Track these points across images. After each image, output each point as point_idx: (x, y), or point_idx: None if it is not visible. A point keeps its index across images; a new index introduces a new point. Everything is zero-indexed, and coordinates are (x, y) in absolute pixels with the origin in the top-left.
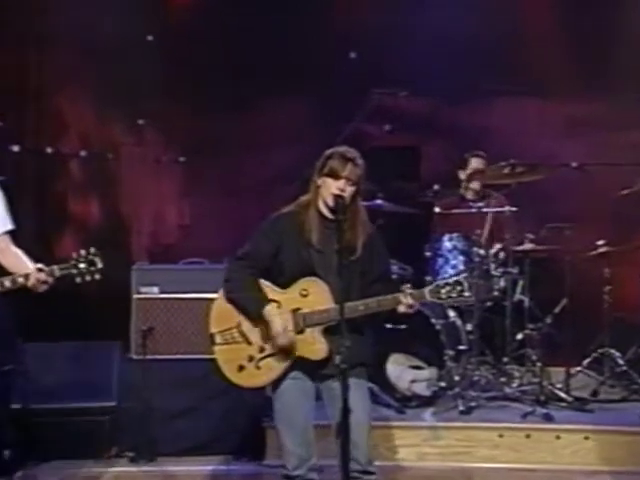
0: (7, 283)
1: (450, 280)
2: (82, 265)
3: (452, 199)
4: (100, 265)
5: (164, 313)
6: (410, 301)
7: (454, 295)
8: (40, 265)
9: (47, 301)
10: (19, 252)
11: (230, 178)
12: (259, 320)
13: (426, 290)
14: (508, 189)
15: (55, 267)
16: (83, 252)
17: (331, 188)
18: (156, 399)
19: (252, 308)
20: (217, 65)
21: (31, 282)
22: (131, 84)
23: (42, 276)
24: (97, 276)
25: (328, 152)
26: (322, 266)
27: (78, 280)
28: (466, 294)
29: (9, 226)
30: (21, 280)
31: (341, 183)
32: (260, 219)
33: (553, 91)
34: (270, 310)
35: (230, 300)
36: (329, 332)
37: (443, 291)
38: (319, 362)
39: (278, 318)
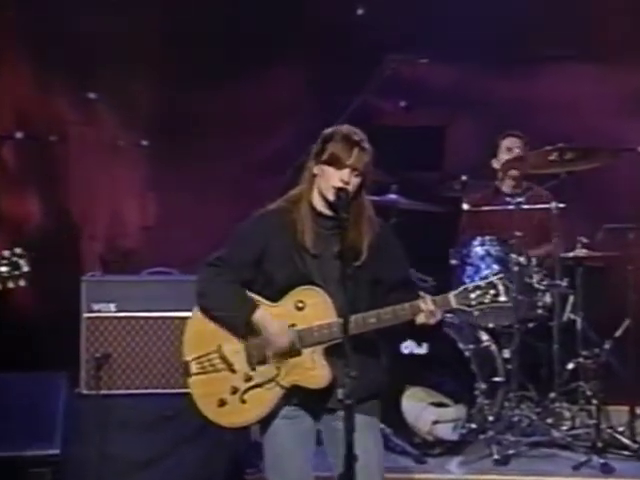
0: None
1: (481, 283)
2: (2, 269)
3: (484, 193)
4: (26, 269)
5: (123, 336)
6: (431, 307)
7: (486, 300)
8: None
9: None
10: None
11: (206, 167)
12: (247, 337)
13: (451, 295)
14: (555, 180)
15: None
16: (6, 253)
17: (332, 179)
18: (113, 445)
19: (238, 319)
20: (190, 24)
21: None
22: (80, 47)
23: None
24: (22, 282)
25: (327, 133)
26: (320, 274)
27: None
28: (502, 299)
29: None
30: None
31: (345, 173)
32: (244, 218)
33: (615, 56)
34: (261, 314)
35: (209, 317)
36: (332, 354)
37: (472, 295)
38: (320, 393)
39: (273, 319)
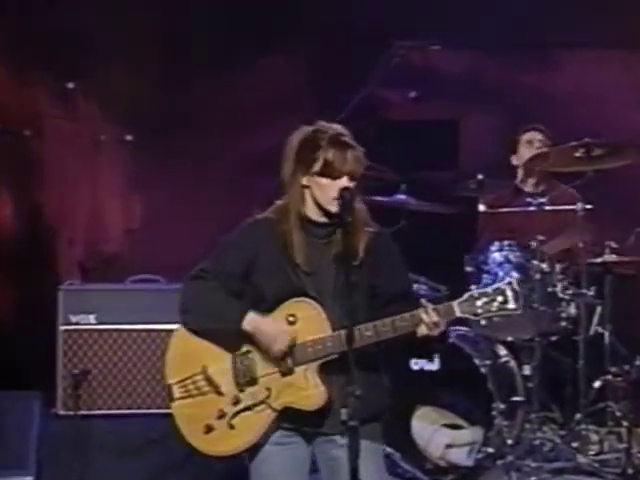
0: None
1: (488, 289)
2: None
3: (503, 193)
4: None
5: (104, 351)
6: (434, 317)
7: (494, 308)
8: None
9: None
10: None
11: (197, 164)
12: (236, 352)
13: (456, 303)
14: (581, 179)
15: None
16: None
17: (330, 191)
18: (93, 472)
19: (229, 328)
20: (178, 10)
21: None
22: (59, 34)
23: None
24: None
25: (307, 137)
26: (314, 287)
27: None
28: (510, 306)
29: None
30: None
31: (343, 182)
32: (237, 220)
33: None
34: (253, 317)
35: (195, 333)
36: (327, 371)
37: (479, 303)
38: (315, 415)
39: (267, 321)
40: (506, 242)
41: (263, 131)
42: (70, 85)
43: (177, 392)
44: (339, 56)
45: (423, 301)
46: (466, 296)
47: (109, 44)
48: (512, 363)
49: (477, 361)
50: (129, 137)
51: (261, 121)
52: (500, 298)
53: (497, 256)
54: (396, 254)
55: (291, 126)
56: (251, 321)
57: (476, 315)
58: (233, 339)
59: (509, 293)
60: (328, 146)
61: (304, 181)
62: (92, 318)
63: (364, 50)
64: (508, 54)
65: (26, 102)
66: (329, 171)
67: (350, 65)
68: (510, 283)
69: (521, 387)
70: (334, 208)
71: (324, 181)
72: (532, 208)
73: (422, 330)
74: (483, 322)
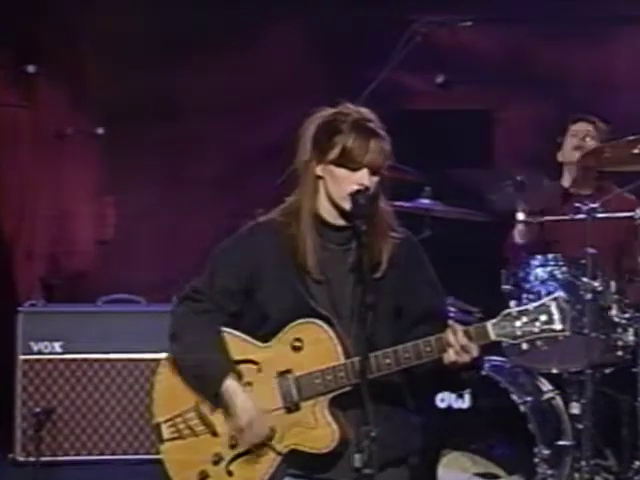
0: None
1: (529, 306)
2: None
3: (546, 197)
4: None
5: (72, 385)
6: (463, 340)
7: (536, 329)
8: None
9: None
10: None
11: (180, 163)
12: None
13: (490, 323)
14: None
15: None
16: None
17: (346, 184)
18: None
19: (208, 385)
20: None
21: None
22: (18, 6)
23: None
24: None
25: (327, 120)
26: (328, 302)
27: None
28: (557, 327)
29: None
30: None
31: (362, 175)
32: (230, 229)
33: None
34: (231, 387)
35: (179, 370)
36: (340, 406)
37: (517, 324)
38: (326, 459)
39: (242, 398)
40: (550, 255)
41: (257, 123)
42: (30, 68)
43: (167, 432)
44: (350, 33)
45: (451, 322)
46: (503, 314)
47: (78, 19)
48: (558, 400)
49: (515, 397)
50: (100, 130)
51: (255, 110)
52: (544, 317)
53: (540, 272)
54: (427, 266)
55: (290, 116)
56: (227, 390)
57: (515, 338)
58: (209, 396)
59: (554, 311)
60: (349, 131)
61: (318, 171)
62: (57, 346)
63: (381, 27)
64: (553, 30)
65: None
66: (347, 160)
67: (364, 44)
68: (556, 299)
69: (569, 429)
70: (347, 205)
71: (340, 172)
72: (581, 215)
73: (449, 356)
74: (525, 346)
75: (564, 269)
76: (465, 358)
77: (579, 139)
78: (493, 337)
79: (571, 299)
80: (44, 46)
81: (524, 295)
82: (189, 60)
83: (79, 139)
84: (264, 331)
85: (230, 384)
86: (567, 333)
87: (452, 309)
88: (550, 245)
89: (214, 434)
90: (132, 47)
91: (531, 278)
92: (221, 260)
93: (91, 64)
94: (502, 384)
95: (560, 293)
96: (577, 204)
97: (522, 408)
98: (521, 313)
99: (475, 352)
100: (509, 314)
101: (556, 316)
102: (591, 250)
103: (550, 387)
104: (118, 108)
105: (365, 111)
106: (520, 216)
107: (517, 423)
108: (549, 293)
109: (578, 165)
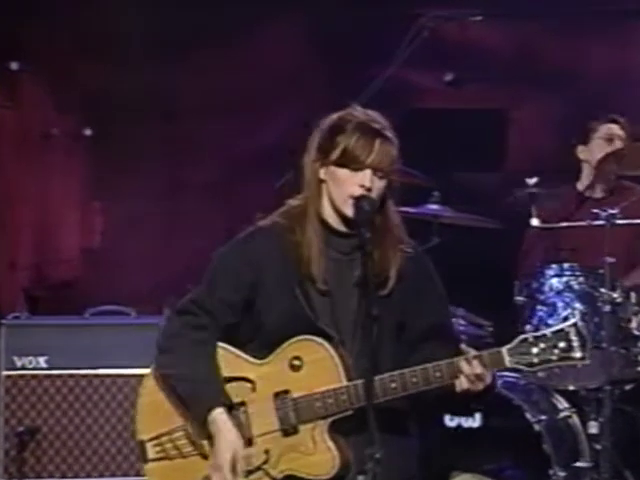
0: None
1: (547, 332)
2: None
3: (562, 202)
4: None
5: (57, 403)
6: (477, 368)
7: (554, 357)
8: None
9: None
10: None
11: (171, 166)
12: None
13: (505, 350)
14: None
15: None
16: None
17: (347, 186)
18: None
19: (197, 406)
20: None
21: None
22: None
23: None
24: None
25: (333, 120)
26: (331, 317)
27: None
28: (577, 355)
29: None
30: None
31: (365, 176)
32: (225, 237)
33: None
34: (218, 419)
35: (167, 386)
36: (340, 431)
37: (535, 350)
38: None
39: (226, 436)
40: (567, 265)
41: (253, 124)
42: (14, 65)
43: (151, 452)
44: (352, 34)
45: (464, 347)
46: (518, 340)
47: (63, 15)
48: (575, 419)
49: (529, 416)
50: (88, 131)
51: (251, 111)
52: (562, 344)
53: (555, 282)
54: (435, 281)
55: (289, 117)
56: (215, 422)
57: (532, 365)
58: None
59: (574, 337)
60: (353, 131)
61: (322, 174)
62: (42, 361)
63: (386, 21)
64: (573, 24)
65: None
66: (348, 160)
67: (367, 40)
68: (575, 325)
69: (586, 449)
70: (349, 210)
71: (342, 172)
72: (600, 222)
73: (462, 384)
74: (541, 374)
75: (581, 279)
76: (479, 387)
77: (610, 141)
78: (508, 364)
79: (588, 311)
80: (27, 43)
81: (538, 307)
82: (180, 59)
83: (65, 140)
84: (258, 341)
85: (217, 416)
86: (587, 362)
87: (462, 322)
88: (565, 253)
89: (203, 456)
90: (120, 46)
91: (546, 289)
92: (220, 269)
93: (78, 63)
94: (515, 402)
95: (577, 312)
96: (595, 210)
97: (536, 427)
98: (538, 339)
99: (489, 379)
100: (526, 340)
101: (575, 343)
102: (610, 259)
103: (566, 405)
104: (105, 109)
105: (374, 114)
106: (534, 222)
107: (531, 443)
108: (565, 305)
109: (596, 168)
